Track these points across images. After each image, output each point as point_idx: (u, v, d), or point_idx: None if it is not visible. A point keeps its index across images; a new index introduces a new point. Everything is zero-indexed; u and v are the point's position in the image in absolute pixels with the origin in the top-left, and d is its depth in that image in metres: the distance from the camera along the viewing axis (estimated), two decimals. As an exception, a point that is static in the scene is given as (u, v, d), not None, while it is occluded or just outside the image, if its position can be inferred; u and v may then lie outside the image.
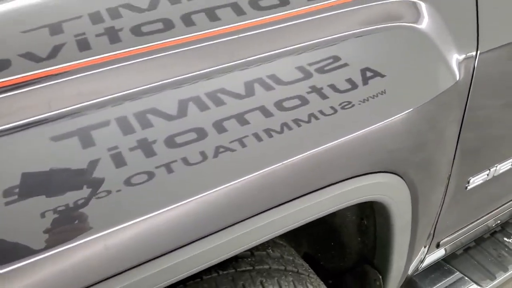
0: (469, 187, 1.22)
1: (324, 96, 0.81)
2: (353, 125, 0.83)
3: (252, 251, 1.06)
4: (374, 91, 0.86)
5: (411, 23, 0.93)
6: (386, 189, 0.98)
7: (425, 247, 1.26)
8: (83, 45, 0.71)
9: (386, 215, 1.05)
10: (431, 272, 1.63)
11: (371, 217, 1.13)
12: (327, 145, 0.81)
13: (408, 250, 1.19)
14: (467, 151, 1.10)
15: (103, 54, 0.72)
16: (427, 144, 1.00)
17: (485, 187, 1.25)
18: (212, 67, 0.77)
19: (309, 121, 0.79)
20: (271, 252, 1.09)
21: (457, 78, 0.97)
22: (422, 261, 1.34)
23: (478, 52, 0.98)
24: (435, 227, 1.21)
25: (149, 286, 0.72)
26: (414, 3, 0.92)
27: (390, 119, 0.88)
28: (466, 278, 1.62)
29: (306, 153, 0.79)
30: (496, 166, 1.23)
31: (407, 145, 0.95)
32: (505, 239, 1.71)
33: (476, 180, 1.22)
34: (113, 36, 0.73)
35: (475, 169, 1.19)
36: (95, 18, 0.74)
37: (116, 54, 0.74)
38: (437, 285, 1.60)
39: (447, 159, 1.07)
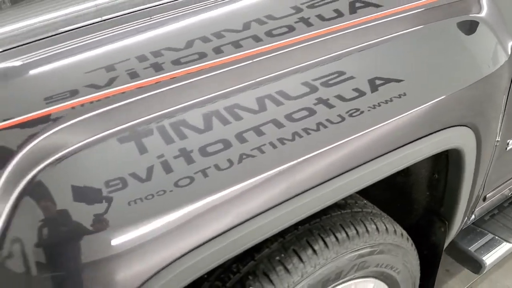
0: (508, 148, 1.58)
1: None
2: (443, 89, 1.18)
3: (345, 200, 1.37)
4: (457, 64, 1.22)
5: (476, 14, 1.30)
6: (463, 139, 1.33)
7: (477, 198, 1.61)
8: (133, 75, 0.91)
9: (460, 163, 1.39)
10: (467, 234, 1.98)
11: (443, 170, 1.47)
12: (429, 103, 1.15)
13: (468, 198, 1.54)
14: (509, 116, 1.47)
15: (148, 78, 0.92)
16: (488, 106, 1.36)
17: None
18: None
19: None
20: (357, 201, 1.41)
21: (508, 57, 1.34)
22: (472, 213, 1.68)
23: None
24: (485, 180, 1.57)
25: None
26: (479, -1, 1.30)
27: (467, 85, 1.23)
28: (497, 237, 1.97)
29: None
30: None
31: (475, 106, 1.31)
32: (517, 204, 2.09)
33: None
34: (157, 67, 0.94)
35: None
36: (141, 58, 0.95)
37: (158, 78, 0.94)
38: (474, 245, 1.95)
39: (497, 119, 1.43)
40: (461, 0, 1.27)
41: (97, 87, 0.89)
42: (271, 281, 1.17)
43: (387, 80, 1.11)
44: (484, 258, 1.87)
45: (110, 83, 0.91)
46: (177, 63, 0.95)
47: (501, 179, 1.67)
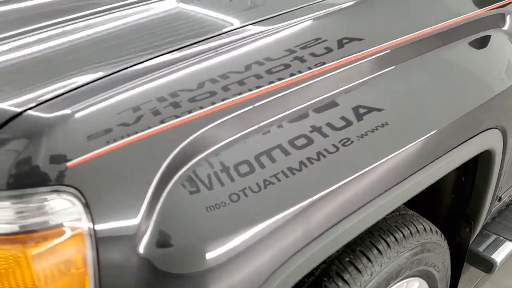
0: None
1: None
2: (479, 97, 1.33)
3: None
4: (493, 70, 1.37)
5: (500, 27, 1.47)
6: (494, 140, 1.48)
7: (494, 198, 1.76)
8: (156, 113, 0.88)
9: (489, 164, 1.53)
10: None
11: (470, 173, 1.61)
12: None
13: (492, 199, 1.68)
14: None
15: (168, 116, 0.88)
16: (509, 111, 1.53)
17: None
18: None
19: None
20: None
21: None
22: (490, 213, 1.83)
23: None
24: (502, 181, 1.73)
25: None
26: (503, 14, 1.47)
27: (499, 92, 1.39)
28: (501, 237, 2.13)
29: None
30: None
31: (502, 110, 1.47)
32: (517, 208, 2.27)
33: None
34: (175, 105, 0.90)
35: None
36: (161, 99, 0.90)
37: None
38: (482, 245, 2.10)
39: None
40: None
41: (126, 125, 0.87)
42: (345, 281, 1.24)
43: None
44: (494, 257, 2.01)
45: (137, 121, 0.88)
46: (192, 100, 0.94)
47: (508, 183, 1.84)
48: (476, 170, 1.57)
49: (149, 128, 0.82)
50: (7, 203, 0.73)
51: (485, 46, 1.46)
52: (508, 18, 1.46)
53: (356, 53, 1.12)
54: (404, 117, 1.19)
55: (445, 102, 1.28)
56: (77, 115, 0.79)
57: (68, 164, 0.75)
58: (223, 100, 0.91)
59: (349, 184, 1.04)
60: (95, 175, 0.77)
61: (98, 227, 0.78)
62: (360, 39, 1.16)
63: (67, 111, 0.79)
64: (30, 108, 0.78)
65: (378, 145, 1.10)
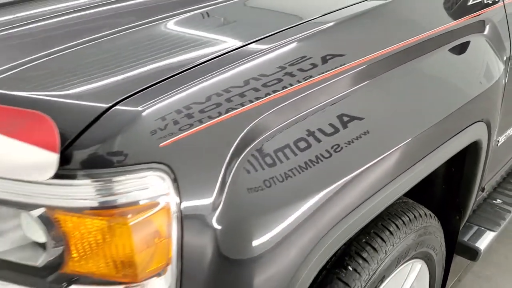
0: (499, 144, 1.98)
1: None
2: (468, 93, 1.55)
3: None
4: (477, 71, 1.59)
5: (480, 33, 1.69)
6: (481, 132, 1.69)
7: (479, 187, 1.97)
8: (226, 102, 1.01)
9: (476, 155, 1.74)
10: (459, 228, 2.34)
11: (459, 164, 1.81)
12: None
13: (478, 188, 1.89)
14: (503, 117, 1.87)
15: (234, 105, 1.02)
16: (494, 105, 1.75)
17: (504, 145, 2.03)
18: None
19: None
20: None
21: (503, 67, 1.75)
22: (475, 202, 2.04)
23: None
24: (485, 172, 1.94)
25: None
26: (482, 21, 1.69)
27: (484, 90, 1.61)
28: (482, 228, 2.35)
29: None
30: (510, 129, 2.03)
31: (486, 104, 1.69)
32: (494, 201, 2.50)
33: (501, 139, 2.00)
34: (241, 95, 1.03)
35: (502, 132, 1.96)
36: (227, 91, 1.03)
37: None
38: (466, 235, 2.31)
39: (497, 119, 1.82)
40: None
41: None
42: (364, 259, 1.41)
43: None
44: (478, 245, 2.22)
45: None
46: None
47: (492, 173, 2.06)
48: (464, 161, 1.77)
49: (220, 115, 0.97)
50: (109, 180, 0.86)
51: (465, 52, 1.67)
52: (487, 24, 1.69)
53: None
54: (402, 115, 1.38)
55: (435, 102, 1.48)
56: (165, 103, 0.94)
57: (161, 144, 0.89)
58: (267, 95, 1.07)
59: (365, 171, 1.22)
60: (181, 155, 0.91)
61: (183, 200, 0.92)
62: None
63: (158, 100, 0.93)
64: (128, 97, 0.92)
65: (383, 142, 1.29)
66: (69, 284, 0.93)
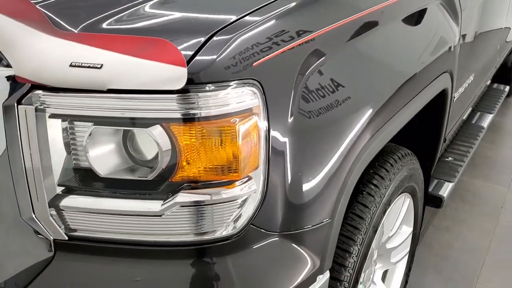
0: (454, 99, 2.38)
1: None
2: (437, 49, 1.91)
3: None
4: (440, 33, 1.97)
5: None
6: (447, 81, 2.07)
7: (444, 137, 2.35)
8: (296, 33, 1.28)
9: (444, 102, 2.11)
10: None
11: (428, 116, 2.17)
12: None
13: (443, 138, 2.27)
14: (458, 74, 2.26)
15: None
16: (454, 60, 2.13)
17: (458, 100, 2.44)
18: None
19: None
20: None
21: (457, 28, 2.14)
22: (441, 151, 2.42)
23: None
24: (448, 120, 2.32)
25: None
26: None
27: (448, 46, 1.98)
28: (442, 180, 2.74)
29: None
30: (465, 85, 2.44)
31: (450, 59, 2.07)
32: (446, 159, 2.92)
33: (456, 95, 2.40)
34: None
35: (456, 89, 2.36)
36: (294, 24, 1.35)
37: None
38: (429, 188, 2.68)
39: (456, 71, 2.21)
40: None
41: None
42: (375, 185, 1.71)
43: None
44: (441, 194, 2.60)
45: None
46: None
47: (450, 125, 2.45)
48: (435, 110, 2.13)
49: (292, 41, 1.23)
50: (218, 93, 1.09)
51: (428, 16, 2.03)
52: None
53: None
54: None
55: (413, 57, 1.82)
56: (257, 30, 1.18)
57: (254, 64, 1.14)
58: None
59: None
60: (267, 73, 1.16)
61: (270, 112, 1.17)
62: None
63: (251, 27, 1.17)
64: (228, 25, 1.15)
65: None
66: (178, 192, 1.13)
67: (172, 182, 1.12)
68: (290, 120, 1.19)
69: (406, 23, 1.75)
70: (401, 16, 1.71)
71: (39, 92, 1.08)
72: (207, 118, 1.08)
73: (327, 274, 1.36)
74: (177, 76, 1.00)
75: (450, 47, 2.00)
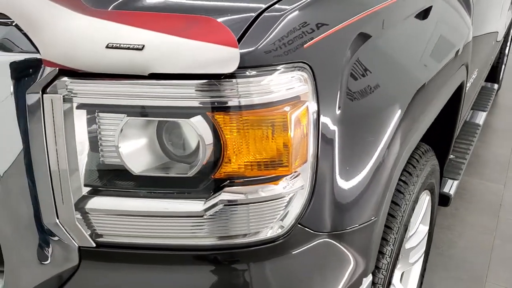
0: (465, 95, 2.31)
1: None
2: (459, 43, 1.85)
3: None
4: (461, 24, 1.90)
5: None
6: (464, 73, 2.00)
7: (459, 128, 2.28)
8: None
9: (460, 94, 2.04)
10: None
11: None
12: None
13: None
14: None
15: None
16: (469, 53, 2.07)
17: (468, 94, 2.37)
18: None
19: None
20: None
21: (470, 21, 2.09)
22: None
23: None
24: (462, 111, 2.25)
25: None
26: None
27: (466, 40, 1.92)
28: (447, 178, 2.68)
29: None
30: (471, 80, 2.38)
31: (466, 52, 2.00)
32: (450, 157, 2.86)
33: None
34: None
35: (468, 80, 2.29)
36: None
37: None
38: (436, 186, 2.62)
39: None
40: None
41: None
42: (404, 181, 1.62)
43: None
44: (448, 192, 2.54)
45: None
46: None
47: (461, 121, 2.39)
48: (448, 107, 2.06)
49: (341, 22, 1.13)
50: (265, 77, 0.98)
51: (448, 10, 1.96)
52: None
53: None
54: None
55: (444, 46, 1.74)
56: (307, 9, 1.07)
57: (305, 45, 1.03)
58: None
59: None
60: (318, 56, 1.06)
61: (320, 100, 1.06)
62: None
63: (300, 5, 1.06)
64: (275, 3, 1.04)
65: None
66: (221, 189, 1.01)
67: (215, 179, 1.00)
68: (338, 108, 1.08)
69: (438, 12, 1.67)
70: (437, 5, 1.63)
71: (66, 79, 0.94)
72: (256, 106, 0.97)
73: (370, 277, 1.26)
74: (228, 58, 0.89)
75: (467, 40, 1.93)
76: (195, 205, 1.00)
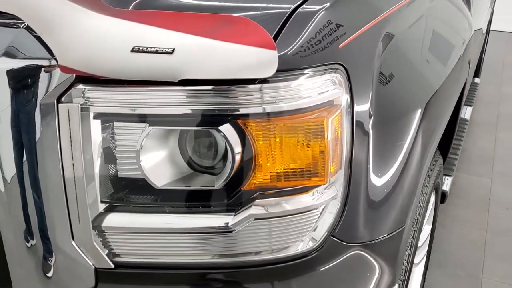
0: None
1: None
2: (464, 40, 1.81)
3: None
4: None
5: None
6: (467, 70, 1.96)
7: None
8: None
9: (463, 91, 2.00)
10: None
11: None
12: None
13: None
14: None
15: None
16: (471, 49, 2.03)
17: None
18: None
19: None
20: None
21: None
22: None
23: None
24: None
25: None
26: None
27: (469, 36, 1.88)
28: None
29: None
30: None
31: (470, 48, 1.96)
32: (441, 152, 2.83)
33: None
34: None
35: None
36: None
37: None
38: (431, 183, 2.59)
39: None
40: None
41: None
42: (424, 185, 1.56)
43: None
44: (444, 189, 2.51)
45: None
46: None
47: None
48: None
49: (371, 21, 1.05)
50: (300, 81, 0.90)
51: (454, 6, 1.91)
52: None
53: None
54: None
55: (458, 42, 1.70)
56: (340, 6, 0.99)
57: (340, 45, 0.95)
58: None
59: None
60: (351, 56, 0.98)
61: (355, 102, 0.99)
62: None
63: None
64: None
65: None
66: (251, 201, 0.93)
67: (244, 191, 0.91)
68: (370, 112, 1.01)
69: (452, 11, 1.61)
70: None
71: (82, 86, 0.85)
72: (291, 112, 0.89)
73: (396, 286, 1.20)
74: (267, 61, 0.81)
75: (470, 35, 1.89)
76: (223, 220, 0.92)
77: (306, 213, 0.95)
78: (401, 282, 1.42)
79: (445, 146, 2.08)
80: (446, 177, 2.63)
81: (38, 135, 0.88)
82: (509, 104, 4.52)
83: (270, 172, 0.91)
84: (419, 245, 1.92)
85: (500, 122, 4.17)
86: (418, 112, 1.21)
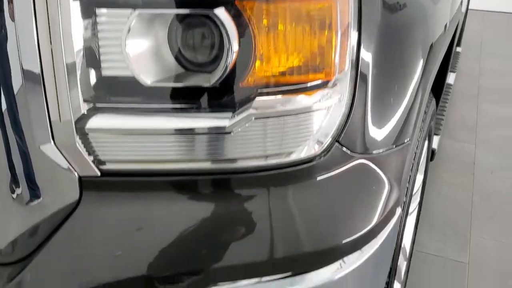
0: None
1: None
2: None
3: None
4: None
5: None
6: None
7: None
8: None
9: (450, 53, 1.95)
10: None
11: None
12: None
13: None
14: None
15: None
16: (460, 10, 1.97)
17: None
18: None
19: None
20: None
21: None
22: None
23: None
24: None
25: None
26: None
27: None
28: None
29: None
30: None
31: (460, 13, 1.90)
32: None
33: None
34: None
35: None
36: None
37: None
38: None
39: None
40: None
41: None
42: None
43: None
44: (433, 147, 2.46)
45: None
46: None
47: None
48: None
49: None
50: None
51: None
52: None
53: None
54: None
55: None
56: None
57: None
58: None
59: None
60: None
61: None
62: None
63: None
64: None
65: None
66: (252, 99, 0.84)
67: (243, 87, 0.82)
68: (379, 8, 0.92)
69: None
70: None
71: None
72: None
73: (399, 209, 1.12)
74: None
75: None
76: (221, 121, 0.82)
77: (310, 113, 0.86)
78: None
79: (436, 93, 2.02)
80: (434, 135, 2.57)
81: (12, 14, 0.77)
82: (488, 77, 4.51)
83: (272, 66, 0.82)
84: (413, 192, 1.86)
85: (481, 94, 4.16)
86: (427, 27, 1.13)
